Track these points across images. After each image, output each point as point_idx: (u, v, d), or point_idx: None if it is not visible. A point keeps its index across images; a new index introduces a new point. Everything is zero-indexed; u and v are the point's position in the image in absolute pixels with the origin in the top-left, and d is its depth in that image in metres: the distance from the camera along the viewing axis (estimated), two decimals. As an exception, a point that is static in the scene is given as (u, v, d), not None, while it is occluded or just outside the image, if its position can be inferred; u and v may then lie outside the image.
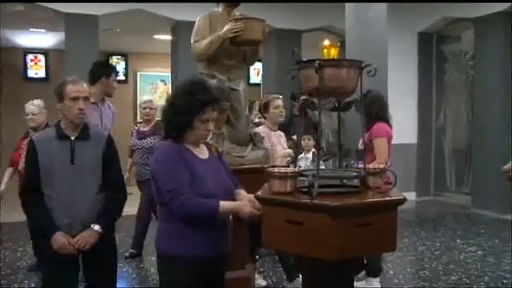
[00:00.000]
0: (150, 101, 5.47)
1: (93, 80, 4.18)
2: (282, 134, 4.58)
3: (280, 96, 4.56)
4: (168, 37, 8.79)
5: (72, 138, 2.74)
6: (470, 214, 7.71)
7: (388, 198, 2.19)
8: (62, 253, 2.63)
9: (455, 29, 8.79)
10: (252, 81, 11.86)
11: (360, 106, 2.42)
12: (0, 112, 8.58)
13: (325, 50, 2.26)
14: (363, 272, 4.38)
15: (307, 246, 2.09)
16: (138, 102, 11.76)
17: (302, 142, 4.38)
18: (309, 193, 2.09)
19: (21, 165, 4.20)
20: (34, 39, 10.38)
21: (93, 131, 2.84)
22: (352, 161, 2.47)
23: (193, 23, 3.55)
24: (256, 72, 11.67)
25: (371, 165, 2.43)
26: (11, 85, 10.05)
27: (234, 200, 2.51)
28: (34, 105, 4.58)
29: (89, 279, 2.84)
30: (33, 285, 4.53)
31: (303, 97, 2.46)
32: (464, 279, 4.79)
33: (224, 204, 2.35)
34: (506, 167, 3.56)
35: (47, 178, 2.67)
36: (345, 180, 2.38)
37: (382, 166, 2.44)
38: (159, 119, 5.33)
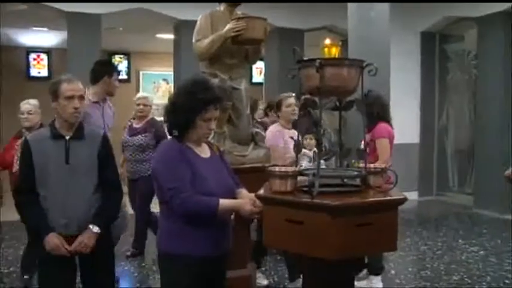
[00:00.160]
0: (145, 97, 5.37)
1: (95, 79, 4.18)
2: (295, 132, 4.57)
3: (293, 95, 4.54)
4: (171, 36, 8.79)
5: (67, 137, 2.71)
6: (472, 214, 7.70)
7: (388, 198, 2.19)
8: (55, 254, 2.62)
9: (458, 29, 8.77)
10: (254, 80, 11.86)
11: (361, 105, 2.42)
12: (0, 111, 8.60)
13: (326, 49, 2.26)
14: (364, 271, 4.39)
15: (307, 245, 2.09)
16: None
17: (304, 141, 4.38)
18: (310, 192, 2.09)
19: (16, 166, 4.07)
20: (37, 38, 10.40)
21: (87, 131, 2.81)
22: (353, 160, 2.46)
23: (196, 22, 3.55)
24: (258, 71, 11.68)
25: (372, 165, 2.42)
26: (13, 84, 10.05)
27: (235, 199, 2.51)
28: (30, 104, 4.44)
29: (86, 279, 2.82)
30: (35, 283, 4.54)
31: (304, 96, 2.46)
32: (466, 279, 4.78)
33: (224, 202, 2.35)
34: (507, 172, 3.58)
35: (42, 178, 2.65)
36: (345, 180, 2.38)
37: (383, 166, 2.44)
38: (154, 116, 5.36)
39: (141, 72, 11.89)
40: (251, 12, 3.52)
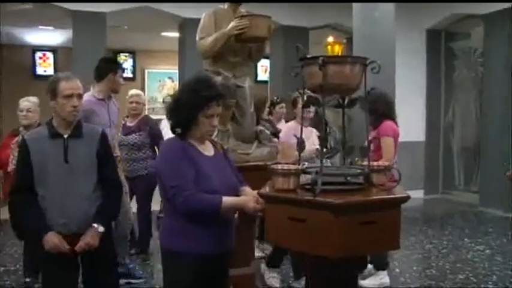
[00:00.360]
0: (138, 95, 5.28)
1: (99, 76, 4.18)
2: (313, 130, 4.60)
3: (309, 92, 4.54)
4: (176, 34, 8.80)
5: (65, 136, 2.69)
6: (478, 213, 7.66)
7: (391, 196, 2.18)
8: (55, 253, 2.60)
9: (464, 26, 8.72)
10: (259, 78, 11.87)
11: (364, 103, 2.40)
12: (1, 110, 8.63)
13: (329, 47, 2.25)
14: (370, 267, 4.38)
15: (310, 243, 2.08)
16: (146, 99, 11.91)
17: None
18: (312, 190, 2.08)
19: (11, 165, 4.04)
20: (42, 36, 10.45)
21: (86, 129, 2.79)
22: (356, 158, 2.46)
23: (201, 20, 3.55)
24: (264, 70, 11.67)
25: (375, 163, 2.41)
26: (19, 83, 10.10)
27: (238, 196, 2.50)
28: (30, 102, 4.34)
29: (88, 278, 2.81)
30: (40, 281, 4.55)
31: (307, 94, 2.45)
32: (471, 278, 4.76)
33: (227, 200, 2.34)
34: (508, 173, 3.57)
35: (41, 177, 2.63)
36: (348, 178, 2.37)
37: (386, 164, 2.42)
38: (147, 114, 5.34)
39: (146, 71, 11.92)
40: (256, 10, 3.51)
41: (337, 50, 2.25)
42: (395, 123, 4.34)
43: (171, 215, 2.41)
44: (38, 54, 11.07)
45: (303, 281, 4.07)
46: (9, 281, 4.61)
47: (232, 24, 3.35)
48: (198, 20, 3.57)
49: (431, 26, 8.81)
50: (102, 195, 2.74)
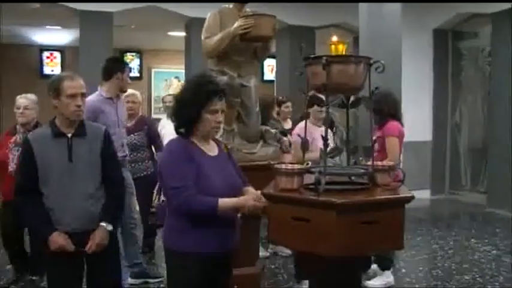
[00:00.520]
0: (133, 94, 5.17)
1: (108, 75, 4.19)
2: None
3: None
4: (182, 34, 8.82)
5: (69, 135, 2.68)
6: (485, 213, 7.60)
7: (395, 196, 2.17)
8: (61, 252, 2.60)
9: (471, 25, 8.66)
10: (266, 77, 11.86)
11: (368, 103, 2.40)
12: (9, 109, 8.65)
13: (333, 46, 2.25)
14: (374, 266, 4.37)
15: (313, 243, 2.08)
16: (153, 99, 11.96)
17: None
18: (316, 190, 2.08)
19: (10, 166, 3.94)
20: (50, 36, 10.51)
21: (89, 128, 2.78)
22: (360, 158, 2.45)
23: (207, 20, 3.55)
24: (270, 69, 11.67)
25: (379, 163, 2.41)
26: (26, 82, 10.14)
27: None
28: (27, 99, 4.17)
29: (91, 276, 2.80)
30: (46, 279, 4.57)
31: (311, 93, 2.45)
32: (478, 279, 4.73)
33: (224, 202, 2.31)
34: None
35: (45, 177, 2.62)
36: (353, 177, 2.37)
37: (390, 164, 2.42)
38: (143, 114, 5.31)
39: (152, 70, 11.96)
40: (262, 10, 3.51)
41: (341, 49, 2.24)
42: (401, 123, 4.33)
43: (173, 215, 2.41)
44: (45, 53, 11.13)
45: (304, 286, 4.07)
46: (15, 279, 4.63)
47: (237, 23, 3.35)
48: (205, 19, 3.58)
49: (438, 26, 8.76)
50: (106, 194, 2.75)
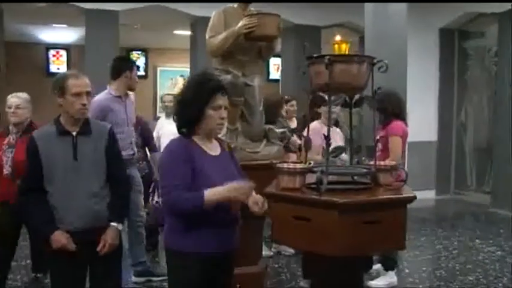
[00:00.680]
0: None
1: (116, 74, 4.21)
2: (337, 130, 4.60)
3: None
4: (188, 33, 8.83)
5: (74, 133, 2.68)
6: (489, 214, 7.58)
7: (396, 196, 2.17)
8: (62, 251, 2.60)
9: (478, 25, 8.62)
10: (271, 77, 11.86)
11: (371, 102, 2.40)
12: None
13: (336, 46, 2.24)
14: (377, 266, 4.37)
15: (315, 242, 2.08)
16: (158, 97, 11.96)
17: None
18: (318, 189, 2.08)
19: (5, 169, 3.81)
20: (56, 34, 10.55)
21: (94, 126, 2.77)
22: (363, 157, 2.45)
23: (213, 18, 3.56)
24: (276, 68, 11.67)
25: (382, 163, 2.40)
26: (32, 80, 10.19)
27: None
28: (19, 98, 3.95)
29: (95, 278, 2.80)
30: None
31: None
32: (481, 279, 4.72)
33: (211, 191, 2.24)
34: None
35: (49, 175, 2.62)
36: (355, 177, 2.37)
37: (393, 163, 2.41)
38: (137, 115, 5.29)
39: (158, 69, 11.98)
40: (268, 9, 3.51)
41: (344, 48, 2.24)
42: (405, 123, 4.31)
43: (172, 215, 2.40)
44: (52, 52, 11.17)
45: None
46: (20, 276, 4.66)
47: (241, 22, 3.35)
48: (210, 18, 3.59)
49: (445, 25, 8.72)
50: (111, 193, 2.75)
